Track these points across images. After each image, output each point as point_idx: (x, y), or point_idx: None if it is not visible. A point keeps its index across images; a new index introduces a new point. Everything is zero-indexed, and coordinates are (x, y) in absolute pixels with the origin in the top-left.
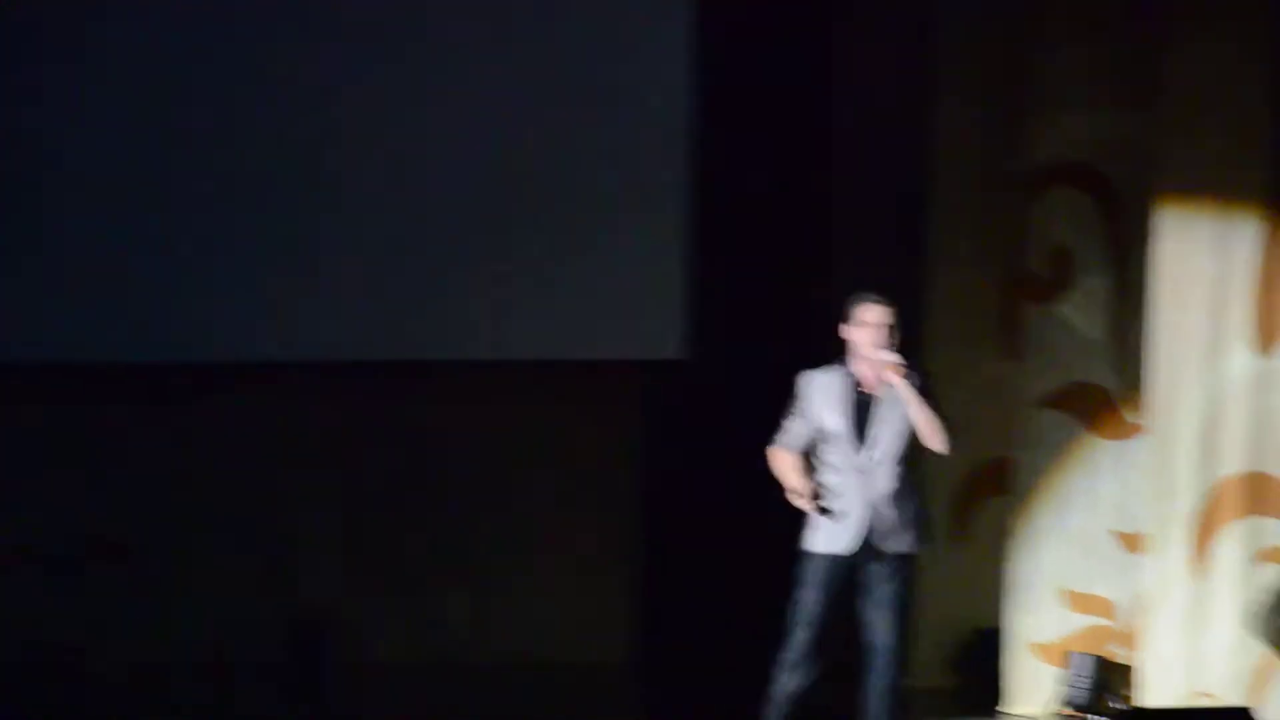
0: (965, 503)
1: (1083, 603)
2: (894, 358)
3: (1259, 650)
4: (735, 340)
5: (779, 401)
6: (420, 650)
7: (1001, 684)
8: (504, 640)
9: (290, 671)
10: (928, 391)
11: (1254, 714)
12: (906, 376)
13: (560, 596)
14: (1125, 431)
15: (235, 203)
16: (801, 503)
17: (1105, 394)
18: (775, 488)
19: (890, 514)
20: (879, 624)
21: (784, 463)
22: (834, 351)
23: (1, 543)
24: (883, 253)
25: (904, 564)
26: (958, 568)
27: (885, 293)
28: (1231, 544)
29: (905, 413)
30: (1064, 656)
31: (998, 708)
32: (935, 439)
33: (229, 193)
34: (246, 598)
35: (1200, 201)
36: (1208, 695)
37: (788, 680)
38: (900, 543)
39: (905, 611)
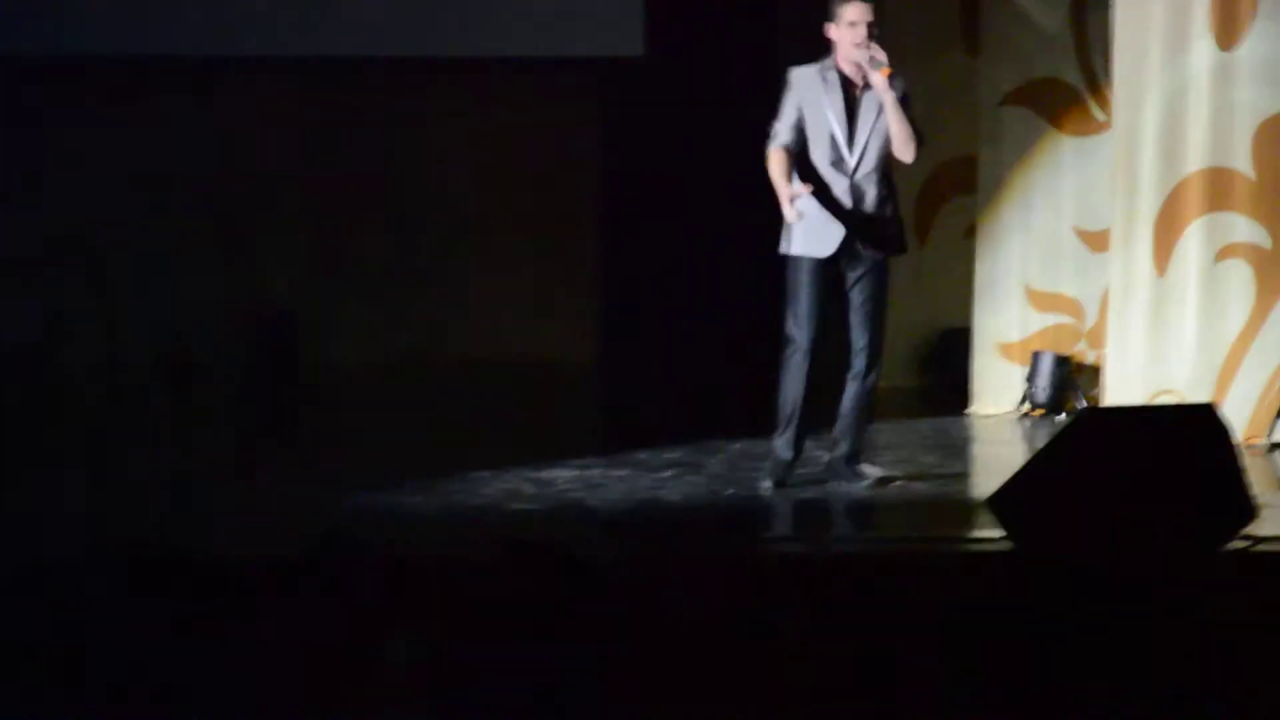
0: (929, 202)
1: (1047, 301)
2: (881, 55)
3: (1222, 348)
4: (693, 37)
5: (738, 100)
6: (383, 350)
7: (968, 383)
8: (465, 340)
9: (254, 371)
10: (904, 98)
11: (1216, 410)
12: (894, 72)
13: (521, 297)
14: (1088, 128)
15: None
16: (789, 211)
17: (1067, 89)
18: (739, 181)
19: (872, 217)
20: (856, 327)
21: (778, 166)
22: (819, 49)
23: None
24: None
25: (880, 268)
26: (923, 268)
27: None
28: (1195, 241)
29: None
30: (1028, 355)
31: (964, 407)
32: (906, 149)
33: None
34: (210, 297)
35: None
36: (1172, 393)
37: (808, 379)
38: (880, 246)
39: (881, 315)
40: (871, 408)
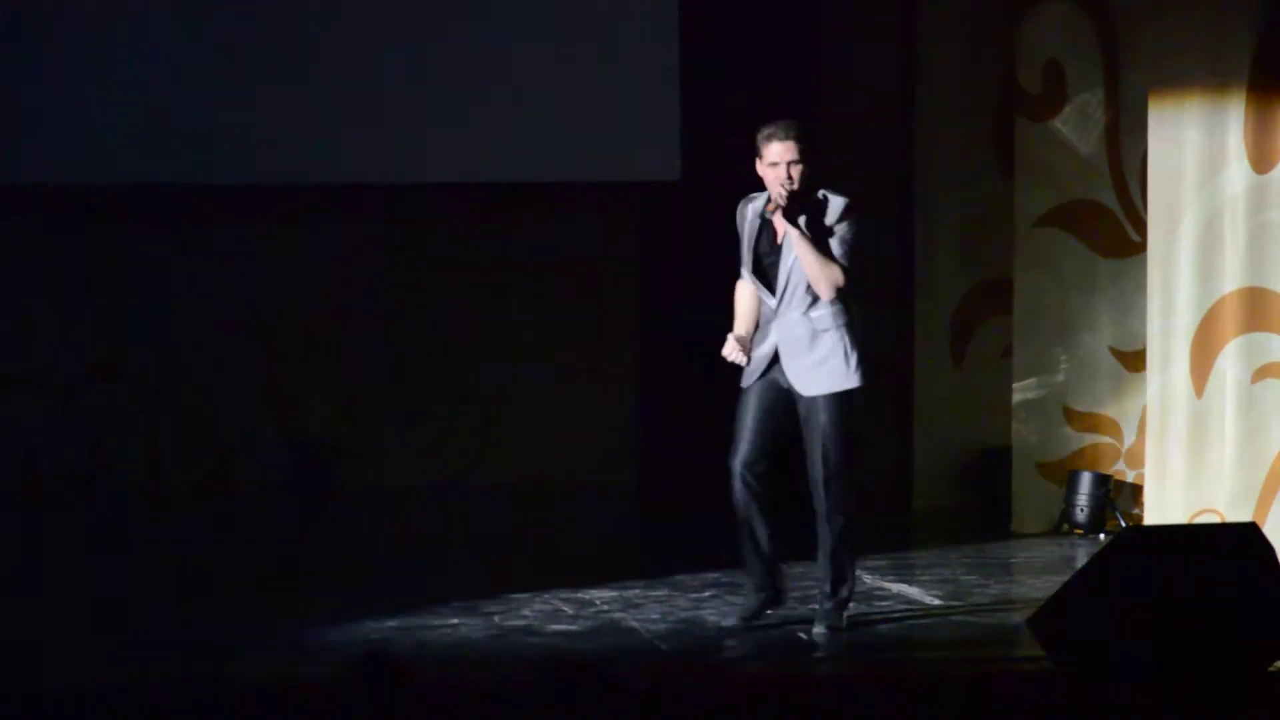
0: (966, 322)
1: (1085, 421)
2: (781, 196)
3: (1262, 466)
4: (730, 161)
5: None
6: (423, 473)
7: (1007, 503)
8: (507, 462)
9: (294, 495)
10: (839, 228)
11: (1259, 529)
12: (813, 212)
13: (561, 418)
14: (1124, 249)
15: (240, 26)
16: (731, 353)
17: (1102, 210)
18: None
19: (800, 357)
20: (810, 460)
21: (739, 301)
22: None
23: (4, 367)
24: (874, 73)
25: (827, 404)
26: (960, 388)
27: (786, 122)
28: (1232, 361)
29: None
30: (1067, 475)
31: (1003, 526)
32: (820, 285)
33: (233, 16)
34: (250, 421)
35: (1195, 12)
36: (1212, 512)
37: (743, 508)
38: (809, 386)
39: (833, 450)
40: (845, 546)
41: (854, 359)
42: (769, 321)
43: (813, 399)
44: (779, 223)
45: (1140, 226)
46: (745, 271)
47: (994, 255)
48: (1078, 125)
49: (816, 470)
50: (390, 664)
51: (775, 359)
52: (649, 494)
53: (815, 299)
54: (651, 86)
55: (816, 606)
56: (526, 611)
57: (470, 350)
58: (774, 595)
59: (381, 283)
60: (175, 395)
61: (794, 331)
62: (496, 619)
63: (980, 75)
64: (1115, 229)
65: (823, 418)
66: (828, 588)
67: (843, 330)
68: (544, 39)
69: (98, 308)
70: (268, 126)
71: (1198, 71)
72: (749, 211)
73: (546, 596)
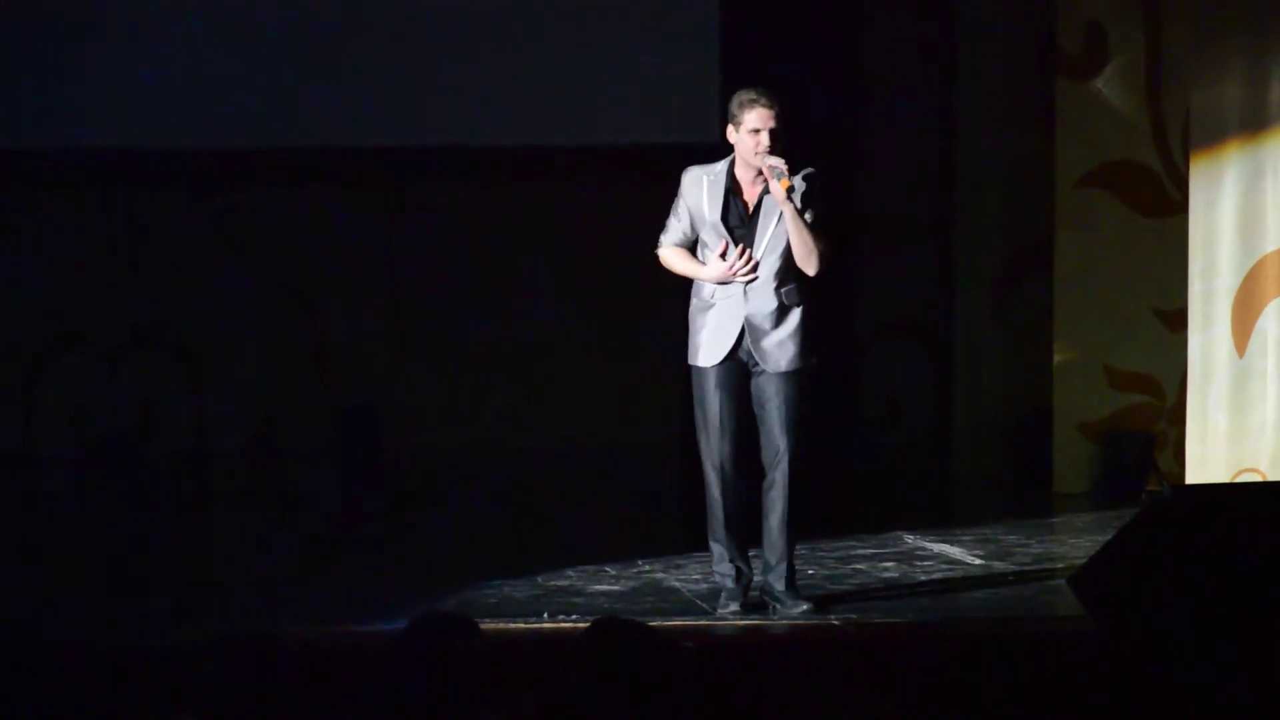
0: (1008, 283)
1: (1126, 381)
2: (778, 163)
3: None
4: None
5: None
6: (466, 434)
7: (1049, 463)
8: (549, 423)
9: (338, 457)
10: (815, 200)
11: None
12: (793, 185)
13: (603, 378)
14: (1165, 209)
15: None
16: (727, 273)
17: (1144, 170)
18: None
19: (769, 332)
20: (768, 438)
21: (677, 257)
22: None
23: (49, 330)
24: (915, 31)
25: (787, 379)
26: (1002, 349)
27: (768, 89)
28: (1273, 320)
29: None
30: (1108, 435)
31: (1045, 487)
32: (807, 262)
33: None
34: (294, 384)
35: None
36: (1254, 471)
37: (723, 499)
38: (779, 361)
39: (789, 426)
40: (794, 525)
41: (810, 339)
42: (724, 297)
43: (774, 376)
44: (779, 195)
45: (1181, 186)
46: (678, 237)
47: (1035, 215)
48: (1119, 85)
49: (777, 449)
50: (442, 622)
51: (739, 339)
52: (691, 454)
53: (788, 274)
54: (690, 47)
55: (776, 588)
56: (570, 571)
57: (513, 311)
58: (749, 571)
59: (424, 245)
60: (220, 358)
61: (764, 307)
62: (540, 579)
63: (1022, 35)
64: (1156, 188)
65: (784, 395)
66: (785, 571)
67: (806, 307)
68: (586, 2)
69: (144, 271)
70: (312, 90)
71: (1239, 30)
72: (705, 181)
73: (589, 557)
